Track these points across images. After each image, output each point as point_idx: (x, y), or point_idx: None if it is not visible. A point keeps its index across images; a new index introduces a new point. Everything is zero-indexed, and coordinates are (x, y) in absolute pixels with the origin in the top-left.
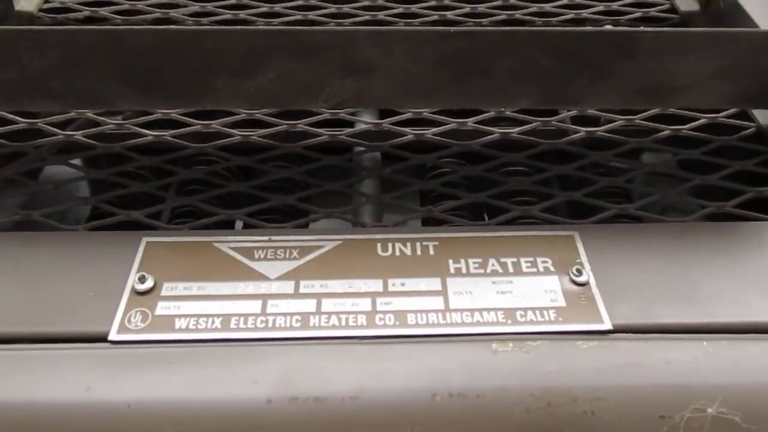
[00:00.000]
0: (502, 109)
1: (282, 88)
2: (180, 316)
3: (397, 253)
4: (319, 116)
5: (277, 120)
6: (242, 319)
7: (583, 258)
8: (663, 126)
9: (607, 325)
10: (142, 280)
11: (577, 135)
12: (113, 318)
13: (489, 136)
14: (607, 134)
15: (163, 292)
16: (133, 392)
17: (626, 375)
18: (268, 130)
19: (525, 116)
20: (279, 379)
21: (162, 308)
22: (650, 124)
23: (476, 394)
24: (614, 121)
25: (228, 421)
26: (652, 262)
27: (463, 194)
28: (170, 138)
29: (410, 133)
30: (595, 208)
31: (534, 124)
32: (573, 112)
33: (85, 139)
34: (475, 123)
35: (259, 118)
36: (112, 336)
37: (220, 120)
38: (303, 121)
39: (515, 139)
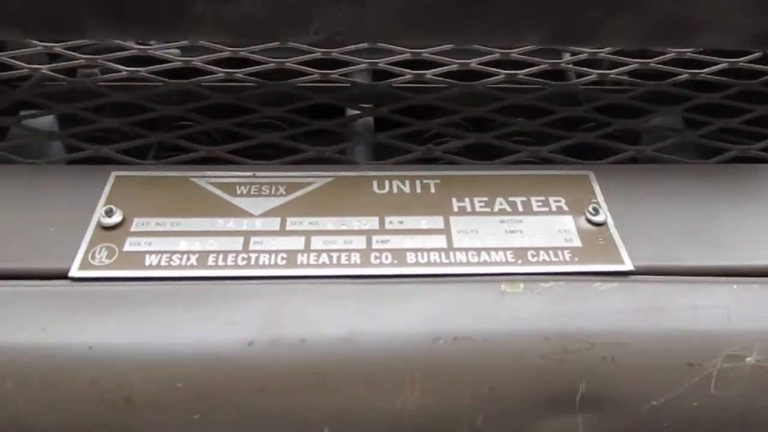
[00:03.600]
0: (508, 49)
1: (268, 13)
2: (151, 253)
3: (395, 190)
4: (309, 55)
5: (265, 58)
6: (221, 256)
7: (600, 198)
8: (680, 70)
9: (627, 266)
10: (109, 213)
11: (589, 77)
12: (75, 253)
13: (494, 77)
14: (620, 76)
15: (133, 228)
16: (95, 334)
17: (649, 319)
18: (254, 68)
19: (532, 58)
20: (261, 319)
21: (131, 244)
22: (666, 67)
23: (483, 338)
24: (627, 65)
25: (202, 366)
26: (674, 204)
27: (465, 135)
28: (146, 73)
29: (409, 73)
30: (608, 152)
31: (542, 66)
32: (583, 56)
33: (53, 74)
34: (478, 64)
35: (244, 56)
36: (74, 272)
37: (202, 57)
38: (293, 59)
39: (522, 81)
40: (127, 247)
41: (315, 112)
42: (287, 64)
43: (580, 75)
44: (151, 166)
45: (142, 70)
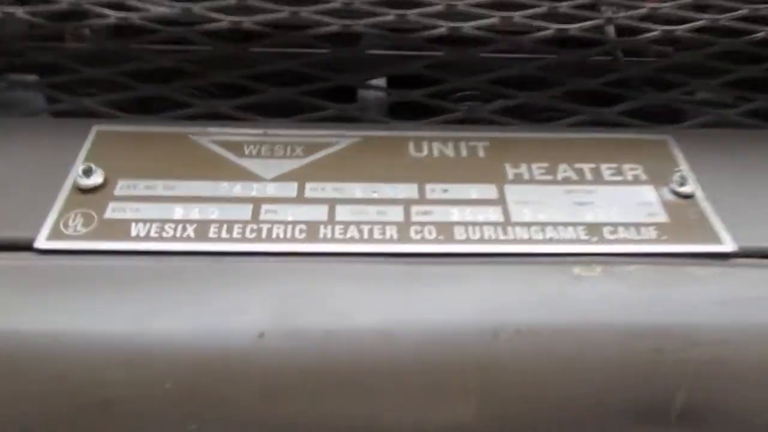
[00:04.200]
0: (559, 3)
1: None
2: (138, 221)
3: (436, 153)
4: (327, 4)
5: (276, 6)
6: (225, 226)
7: (683, 166)
8: (756, 27)
9: (728, 247)
10: (87, 173)
11: (652, 33)
12: (43, 220)
13: (541, 32)
14: (688, 33)
15: (117, 191)
16: (65, 319)
17: (762, 311)
18: (264, 16)
19: (584, 12)
20: (274, 305)
21: (114, 210)
22: (738, 24)
23: (554, 333)
24: (696, 20)
25: (200, 363)
26: None
27: (514, 94)
28: (139, 21)
29: (443, 26)
30: (679, 117)
31: (596, 21)
32: (643, 10)
33: (31, 18)
34: (524, 17)
35: (252, 3)
36: (41, 243)
37: (205, 2)
38: (308, 8)
39: (575, 36)
40: (108, 214)
41: (334, 70)
42: (302, 13)
43: (640, 32)
44: (140, 120)
45: (134, 16)
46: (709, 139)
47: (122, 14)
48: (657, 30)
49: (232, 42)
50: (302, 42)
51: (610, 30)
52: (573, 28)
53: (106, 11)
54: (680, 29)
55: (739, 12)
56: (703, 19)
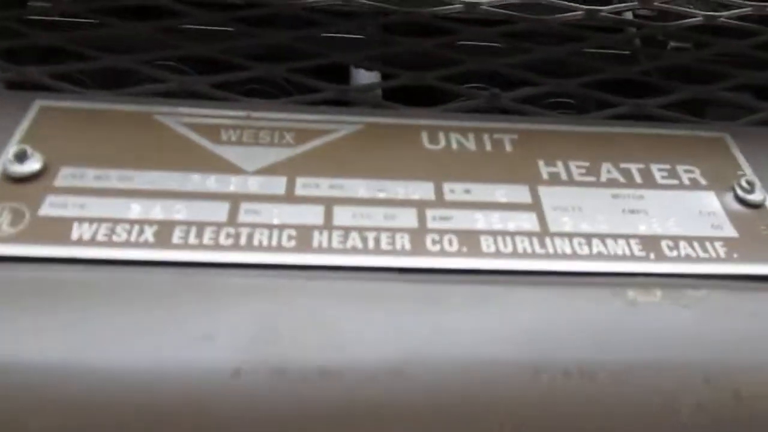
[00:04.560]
0: None
1: None
2: (82, 220)
3: (454, 146)
4: None
5: None
6: (194, 229)
7: (747, 169)
8: None
9: None
10: (20, 157)
11: (695, 19)
12: None
13: (572, 13)
14: (732, 21)
15: (58, 181)
16: None
17: None
18: None
19: None
20: (254, 334)
21: (52, 205)
22: None
23: (608, 374)
24: (743, 7)
25: (159, 409)
26: None
27: (540, 80)
28: None
29: (459, 2)
30: (732, 112)
31: (631, 2)
32: None
33: None
34: None
35: None
36: None
37: None
38: None
39: (606, 20)
40: (45, 210)
41: (328, 47)
42: None
43: (679, 17)
44: (95, 96)
45: None
46: None
47: None
48: (699, 16)
49: (208, 11)
50: (293, 14)
51: (643, 15)
52: (605, 10)
53: None
54: (724, 16)
55: None
56: (748, 6)
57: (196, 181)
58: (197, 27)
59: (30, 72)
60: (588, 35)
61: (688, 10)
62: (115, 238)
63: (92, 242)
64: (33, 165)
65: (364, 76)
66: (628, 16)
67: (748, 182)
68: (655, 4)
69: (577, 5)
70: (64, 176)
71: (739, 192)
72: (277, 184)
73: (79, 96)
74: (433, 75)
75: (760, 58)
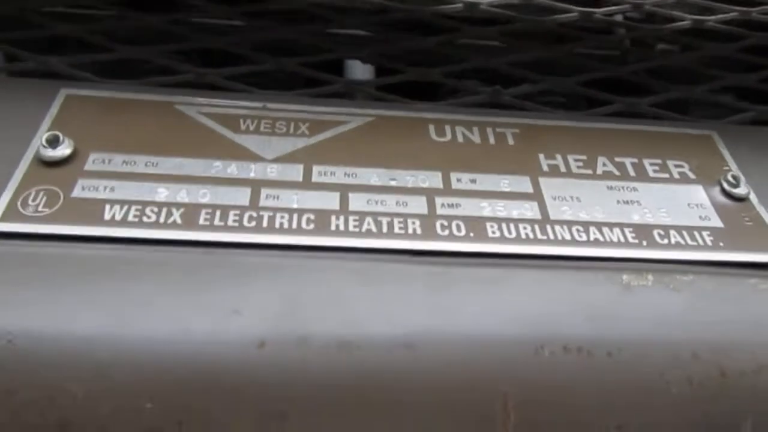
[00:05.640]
0: None
1: None
2: (113, 202)
3: (460, 139)
4: None
5: None
6: (219, 213)
7: (733, 165)
8: None
9: None
10: (52, 143)
11: (684, 22)
12: None
13: (567, 14)
14: (719, 25)
15: (88, 165)
16: (18, 319)
17: None
18: None
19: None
20: (278, 309)
21: (84, 188)
22: None
23: (607, 351)
24: (729, 12)
25: (187, 377)
26: None
27: (540, 78)
28: None
29: (460, 1)
30: (718, 112)
31: (623, 5)
32: None
33: None
34: None
35: None
36: None
37: None
38: None
39: (601, 22)
40: (77, 192)
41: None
42: None
43: (667, 20)
44: (117, 85)
45: None
46: (755, 136)
47: None
48: (687, 19)
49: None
50: (300, 8)
51: (635, 17)
52: (599, 12)
53: None
54: (711, 20)
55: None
56: (735, 11)
57: (218, 167)
58: (206, 20)
59: (53, 62)
60: (581, 36)
61: (676, 13)
62: (145, 219)
63: (124, 222)
64: (64, 150)
65: (365, 71)
66: (619, 18)
67: (734, 177)
68: (646, 7)
69: (572, 6)
70: (94, 161)
71: (726, 186)
72: (295, 172)
73: (101, 85)
74: (437, 71)
75: (744, 60)
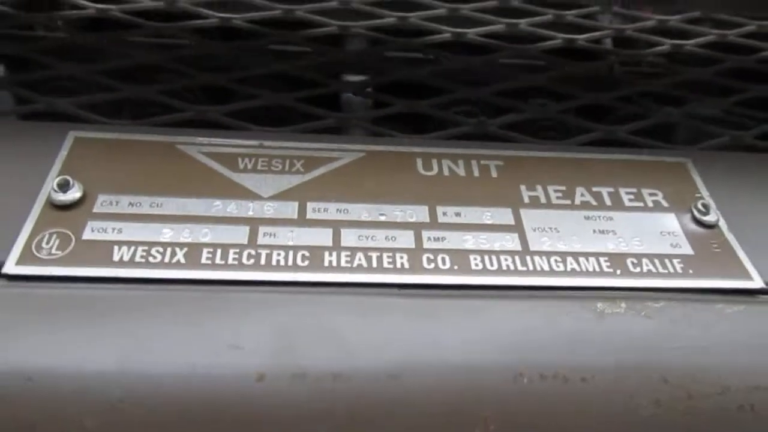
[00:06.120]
0: (563, 10)
1: None
2: (121, 243)
3: (446, 172)
4: (324, 3)
5: (268, 2)
6: (219, 251)
7: (704, 192)
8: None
9: (757, 283)
10: (63, 187)
11: (662, 47)
12: (13, 242)
13: (549, 42)
14: (699, 49)
15: (97, 208)
16: (37, 358)
17: None
18: (255, 14)
19: (590, 22)
20: (276, 344)
21: (93, 230)
22: (748, 41)
23: (581, 377)
24: (706, 35)
25: (193, 409)
26: None
27: (523, 107)
28: (120, 14)
29: (448, 31)
30: (695, 137)
31: (605, 31)
32: (650, 23)
33: (6, 8)
34: (529, 26)
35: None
36: (10, 268)
37: None
38: (304, 6)
39: (584, 48)
40: (87, 235)
41: (324, 74)
42: (298, 12)
43: (648, 45)
44: (122, 126)
45: (114, 9)
46: (728, 162)
47: (102, 6)
48: (665, 44)
49: (220, 40)
50: (295, 43)
51: (617, 41)
52: (581, 39)
53: (84, 2)
54: (689, 44)
55: (747, 28)
56: (712, 35)
57: (218, 206)
58: (205, 54)
59: (61, 104)
60: (564, 63)
61: (654, 38)
62: (150, 259)
63: (132, 263)
64: (74, 193)
65: (360, 102)
66: (607, 42)
67: (704, 205)
68: (627, 33)
69: (556, 33)
70: (102, 203)
71: (696, 214)
72: (290, 209)
73: (107, 126)
74: (426, 103)
75: (722, 84)
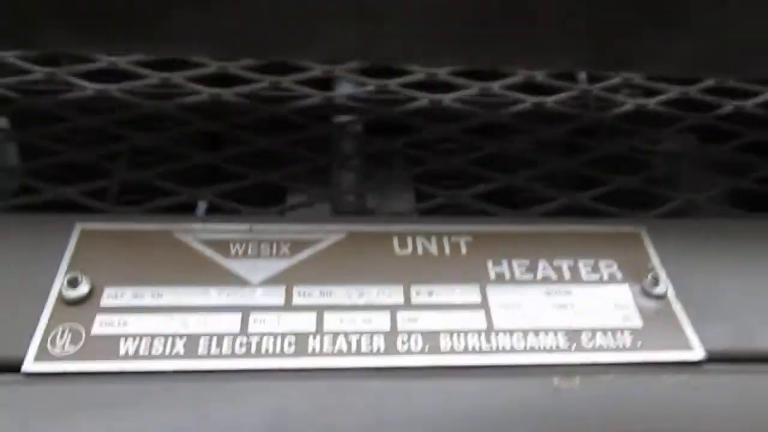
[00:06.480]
0: (536, 72)
1: (266, 28)
2: (127, 337)
3: (420, 251)
4: (307, 73)
5: (256, 75)
6: (215, 340)
7: (656, 262)
8: (725, 100)
9: (698, 354)
10: (73, 283)
11: (624, 107)
12: (29, 339)
13: (520, 105)
14: (661, 107)
15: (104, 302)
16: None
17: (730, 419)
18: (244, 87)
19: (559, 82)
20: (267, 426)
21: (101, 324)
22: (708, 97)
23: None
24: (667, 92)
25: None
26: (744, 268)
27: (494, 176)
28: (118, 93)
29: (425, 98)
30: (652, 198)
31: (573, 92)
32: (615, 80)
33: (6, 91)
34: (502, 88)
35: (233, 72)
36: (28, 366)
37: (183, 72)
38: (289, 77)
39: (552, 110)
40: (96, 329)
41: (314, 143)
42: (283, 83)
43: (612, 105)
44: (124, 215)
45: (112, 88)
46: (683, 230)
47: (99, 86)
48: (629, 103)
49: (210, 115)
50: (281, 116)
51: (587, 101)
52: (550, 101)
53: (85, 83)
54: (653, 102)
55: (705, 83)
56: (672, 91)
57: (213, 295)
58: (199, 132)
59: (68, 192)
60: (532, 128)
61: (619, 98)
62: (153, 351)
63: (136, 356)
64: (83, 289)
65: (348, 178)
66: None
67: (654, 277)
68: (594, 93)
69: (527, 96)
70: (108, 296)
71: (646, 286)
72: (278, 294)
73: (110, 217)
74: (406, 175)
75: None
